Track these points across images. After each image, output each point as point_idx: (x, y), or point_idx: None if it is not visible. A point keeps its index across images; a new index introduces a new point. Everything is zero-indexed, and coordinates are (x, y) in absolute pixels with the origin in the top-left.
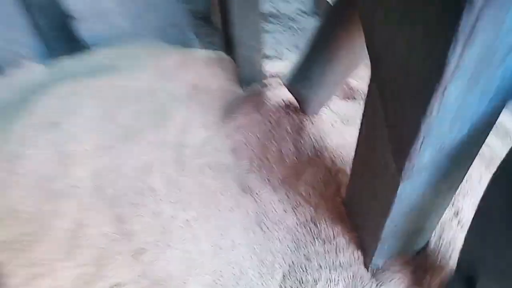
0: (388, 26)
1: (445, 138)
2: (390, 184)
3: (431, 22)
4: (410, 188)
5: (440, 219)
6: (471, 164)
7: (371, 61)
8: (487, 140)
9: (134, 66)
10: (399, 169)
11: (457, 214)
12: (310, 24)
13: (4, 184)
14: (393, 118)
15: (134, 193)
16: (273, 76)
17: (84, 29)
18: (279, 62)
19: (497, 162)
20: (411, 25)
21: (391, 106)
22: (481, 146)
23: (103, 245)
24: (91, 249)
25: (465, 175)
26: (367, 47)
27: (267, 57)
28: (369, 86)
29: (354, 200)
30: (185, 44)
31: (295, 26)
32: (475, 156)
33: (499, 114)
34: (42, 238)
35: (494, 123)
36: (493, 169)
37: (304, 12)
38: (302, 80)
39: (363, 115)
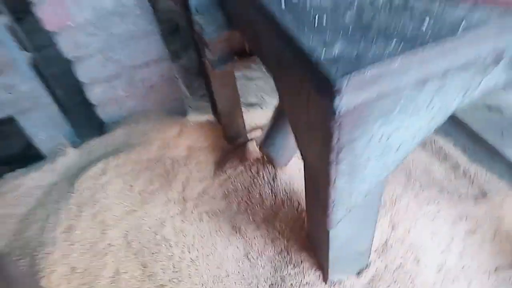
0: (304, 141)
1: (348, 204)
2: (325, 229)
3: (321, 151)
4: (336, 232)
5: (371, 245)
6: (378, 209)
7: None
8: (429, 165)
9: (144, 141)
10: (325, 223)
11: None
12: None
13: (64, 250)
14: (319, 191)
15: (153, 244)
16: (254, 129)
17: (102, 113)
18: (260, 111)
19: (434, 187)
20: (314, 146)
21: (315, 184)
22: (380, 200)
23: (135, 285)
24: None
25: (377, 215)
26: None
27: (250, 104)
28: (304, 169)
29: (310, 235)
30: (183, 112)
31: None
32: (379, 204)
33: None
34: (93, 286)
35: (383, 188)
36: (423, 198)
37: None
38: (269, 145)
39: (305, 185)
